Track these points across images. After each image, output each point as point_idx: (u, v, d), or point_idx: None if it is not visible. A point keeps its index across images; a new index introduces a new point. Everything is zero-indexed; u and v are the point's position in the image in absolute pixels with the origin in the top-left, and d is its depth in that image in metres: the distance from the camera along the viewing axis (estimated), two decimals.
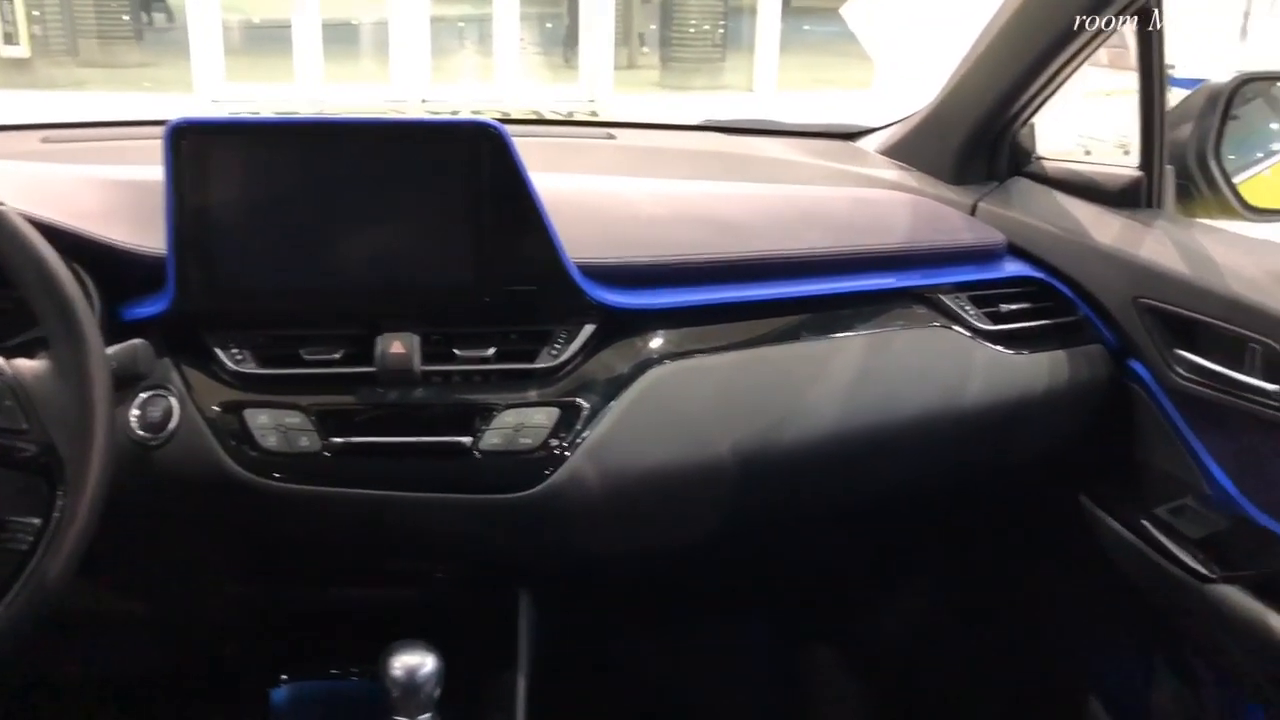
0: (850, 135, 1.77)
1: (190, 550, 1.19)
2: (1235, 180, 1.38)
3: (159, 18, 12.79)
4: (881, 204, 1.49)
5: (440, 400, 1.10)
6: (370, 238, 1.08)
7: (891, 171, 1.61)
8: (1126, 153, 1.45)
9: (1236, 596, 1.20)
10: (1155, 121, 1.35)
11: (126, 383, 0.99)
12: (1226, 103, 1.36)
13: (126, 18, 11.00)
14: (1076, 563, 1.48)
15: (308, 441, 1.07)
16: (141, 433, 1.05)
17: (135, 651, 1.41)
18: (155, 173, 1.04)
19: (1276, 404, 1.16)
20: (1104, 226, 1.38)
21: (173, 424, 1.06)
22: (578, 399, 1.12)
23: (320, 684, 1.32)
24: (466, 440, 1.09)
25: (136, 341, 1.00)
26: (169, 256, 1.05)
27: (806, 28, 13.44)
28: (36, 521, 0.89)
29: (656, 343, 1.17)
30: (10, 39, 10.09)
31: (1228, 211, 1.38)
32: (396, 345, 1.08)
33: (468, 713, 1.21)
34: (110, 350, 0.96)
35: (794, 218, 1.37)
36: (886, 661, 1.77)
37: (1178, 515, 1.31)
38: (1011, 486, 1.50)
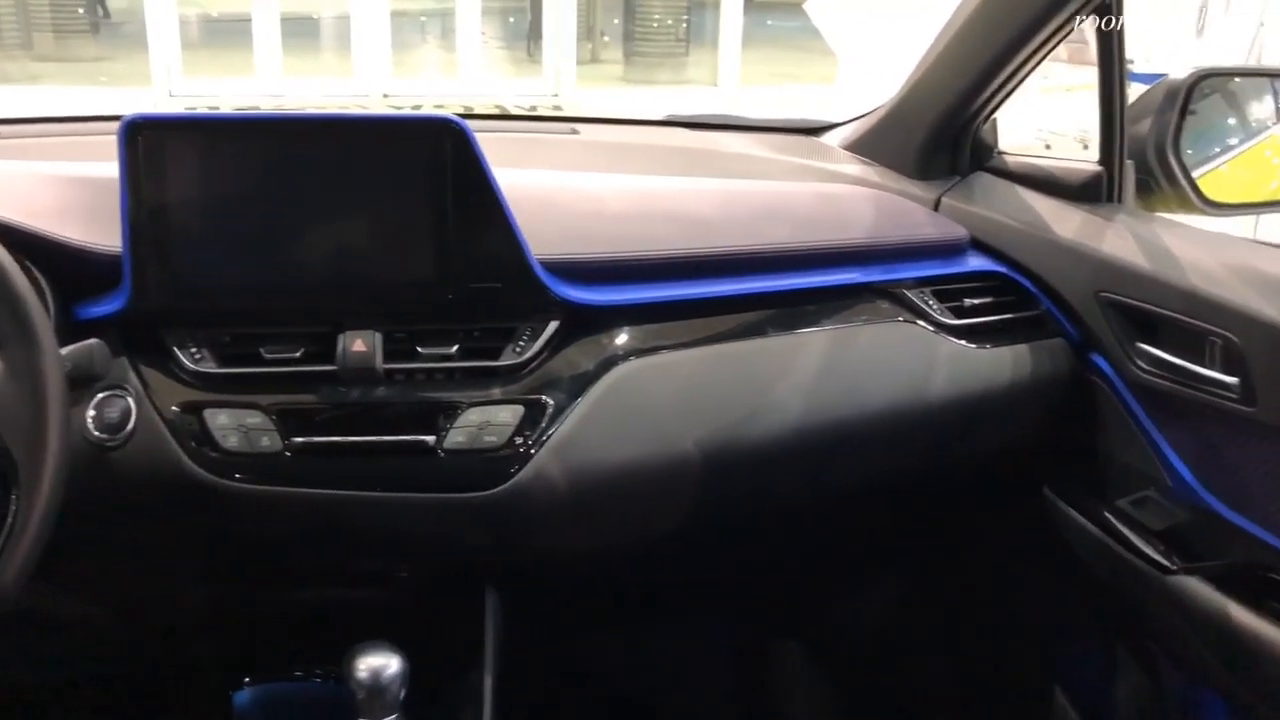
0: (814, 130, 1.77)
1: (150, 552, 1.17)
2: (1194, 175, 1.39)
3: (115, 11, 12.61)
4: (845, 199, 1.50)
5: (403, 399, 1.09)
6: (331, 234, 1.07)
7: (855, 167, 1.62)
8: (1085, 147, 1.46)
9: (1197, 587, 1.21)
10: (1115, 117, 1.36)
11: (82, 383, 0.98)
12: (1184, 98, 1.37)
13: (82, 11, 10.83)
14: (1040, 555, 1.49)
15: (269, 441, 1.06)
16: (98, 434, 1.03)
17: (95, 655, 1.39)
18: (111, 169, 1.03)
19: (1236, 396, 1.17)
20: (1065, 221, 1.39)
21: (130, 425, 1.04)
22: (542, 396, 1.11)
23: (284, 686, 1.30)
24: (430, 439, 1.08)
25: (92, 341, 0.98)
26: (125, 254, 1.03)
27: (770, 23, 13.47)
28: None
29: (621, 339, 1.17)
30: None
31: (1187, 206, 1.39)
32: (358, 343, 1.07)
33: (434, 714, 1.20)
34: (65, 350, 0.94)
35: (758, 213, 1.37)
36: (853, 656, 1.78)
37: (1139, 507, 1.32)
38: (975, 480, 1.51)
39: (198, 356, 1.07)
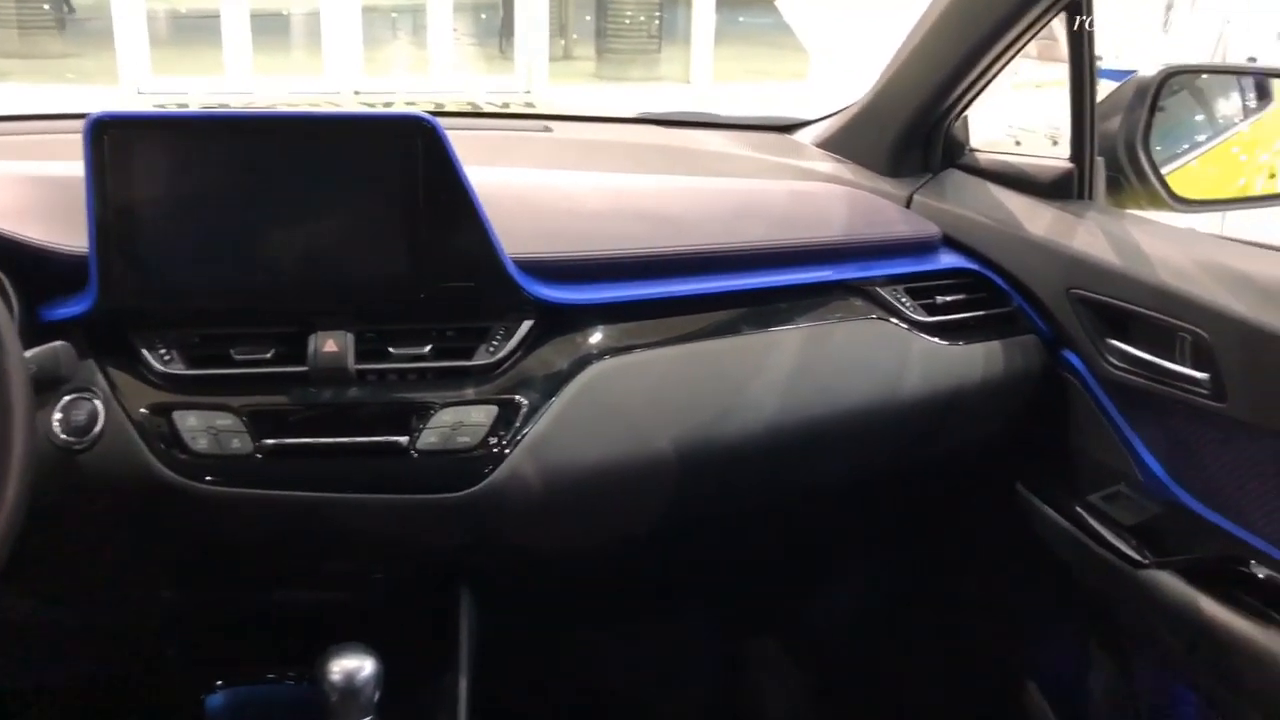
0: (786, 128, 1.77)
1: (119, 556, 1.15)
2: (1163, 171, 1.40)
3: (82, 7, 12.47)
4: (818, 197, 1.50)
5: (375, 399, 1.08)
6: (301, 234, 1.06)
7: (827, 164, 1.62)
8: (1056, 143, 1.47)
9: (1168, 581, 1.22)
10: (1086, 114, 1.37)
11: (47, 386, 0.96)
12: (1154, 95, 1.38)
13: (47, 6, 10.70)
14: (1013, 550, 1.50)
15: (239, 443, 1.05)
16: (65, 437, 1.01)
17: (64, 661, 1.37)
18: (77, 168, 1.01)
19: (1206, 392, 1.18)
20: (1037, 218, 1.40)
21: (98, 427, 1.02)
22: (516, 396, 1.11)
23: (256, 689, 1.29)
24: (403, 440, 1.07)
25: (57, 343, 0.97)
26: (91, 255, 1.01)
27: (742, 19, 13.48)
28: None
29: (595, 338, 1.17)
30: None
31: (1156, 202, 1.40)
32: (330, 344, 1.06)
33: (408, 716, 1.19)
34: (30, 353, 0.93)
35: (731, 211, 1.37)
36: (830, 651, 1.78)
37: (1111, 502, 1.33)
38: (949, 476, 1.52)
39: (166, 358, 1.06)
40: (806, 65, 10.47)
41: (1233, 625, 1.14)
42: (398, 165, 1.05)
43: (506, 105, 8.96)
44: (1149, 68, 1.40)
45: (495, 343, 1.11)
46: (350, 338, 1.06)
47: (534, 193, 1.32)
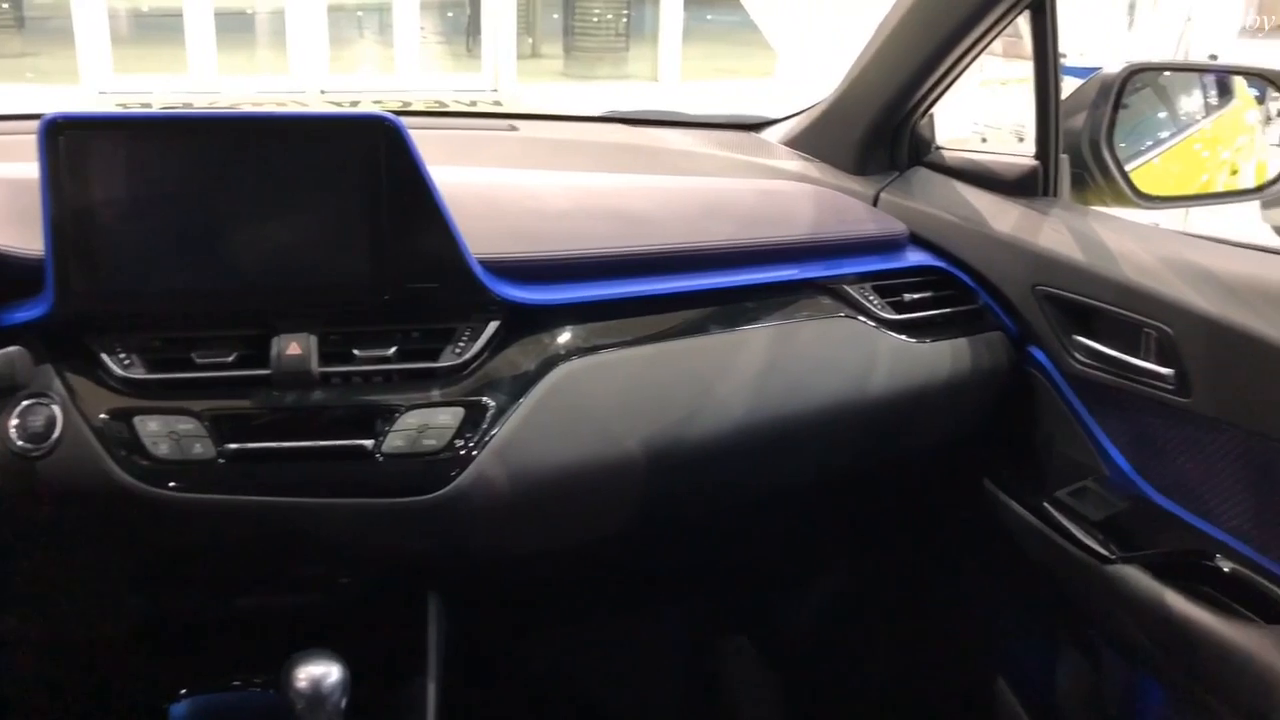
0: (754, 126, 1.77)
1: (79, 564, 1.14)
2: (1127, 168, 1.41)
3: (42, 5, 12.31)
4: (786, 196, 1.50)
5: (340, 402, 1.07)
6: (264, 235, 1.04)
7: (795, 163, 1.62)
8: (1021, 140, 1.47)
9: (1134, 576, 1.23)
10: (1050, 111, 1.38)
11: (3, 392, 0.95)
12: (1117, 93, 1.39)
13: (6, 5, 10.57)
14: (981, 546, 1.50)
15: (201, 448, 1.03)
16: (22, 444, 1.00)
17: (24, 671, 1.35)
18: (33, 170, 0.99)
19: (1171, 387, 1.19)
20: (1003, 215, 1.40)
21: (56, 433, 1.01)
22: (483, 398, 1.10)
23: (221, 697, 1.27)
24: (368, 443, 1.06)
25: (13, 349, 0.96)
26: (47, 258, 1.00)
27: (709, 18, 13.51)
28: None
29: (563, 338, 1.16)
30: None
31: (1121, 199, 1.41)
32: (293, 346, 1.04)
33: None
34: None
35: (699, 210, 1.36)
36: (801, 649, 1.78)
37: (1078, 498, 1.34)
38: (916, 473, 1.52)
39: (126, 362, 1.04)
40: (774, 63, 10.49)
41: (1198, 619, 1.15)
42: (360, 165, 1.03)
43: (474, 104, 8.94)
44: (1112, 65, 1.41)
45: (461, 344, 1.10)
46: (313, 340, 1.05)
47: (499, 192, 1.31)
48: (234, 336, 1.06)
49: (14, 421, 1.00)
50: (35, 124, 0.98)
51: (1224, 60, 6.26)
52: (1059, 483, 1.36)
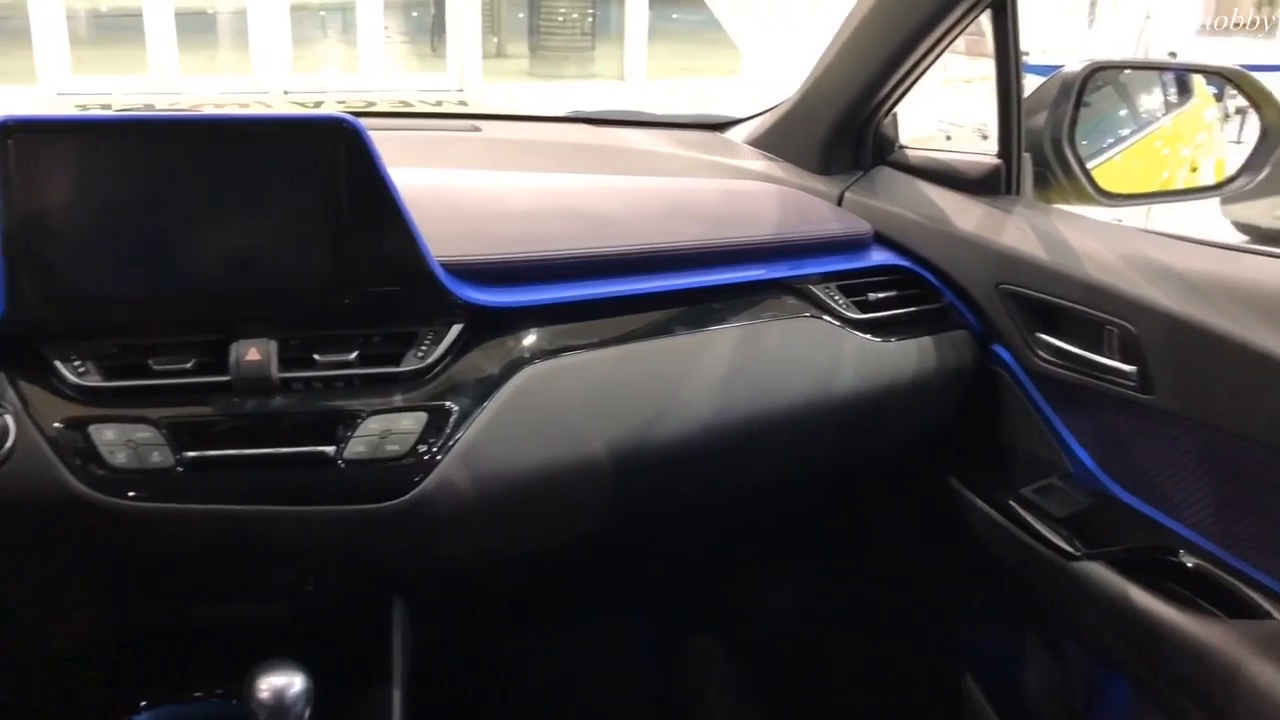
0: (718, 126, 1.77)
1: (35, 576, 1.11)
2: (1089, 166, 1.42)
3: None
4: (750, 196, 1.49)
5: (301, 408, 1.05)
6: (222, 239, 1.03)
7: (759, 162, 1.62)
8: (985, 137, 1.48)
9: (1099, 572, 1.23)
10: (1012, 110, 1.38)
11: None
12: (1078, 91, 1.40)
13: None
14: (948, 544, 1.51)
15: (159, 457, 1.01)
16: None
17: None
18: None
19: (1134, 384, 1.20)
20: (966, 214, 1.41)
21: (8, 444, 0.98)
22: (446, 402, 1.08)
23: (182, 709, 1.25)
24: (330, 449, 1.04)
25: None
26: None
27: (675, 16, 13.53)
28: None
29: (527, 341, 1.15)
30: None
31: (1083, 197, 1.41)
32: (252, 352, 1.03)
33: None
34: None
35: (663, 211, 1.36)
36: (769, 649, 1.78)
37: (1043, 495, 1.34)
38: (883, 471, 1.52)
39: (81, 370, 1.02)
40: (739, 61, 10.51)
41: (1162, 614, 1.16)
42: (319, 168, 1.02)
43: (440, 104, 8.90)
44: (1074, 63, 1.41)
45: (424, 348, 1.09)
46: (273, 345, 1.04)
47: (461, 194, 1.29)
48: (192, 343, 1.04)
49: None
50: None
51: (1183, 58, 6.33)
52: (1024, 480, 1.37)
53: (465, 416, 1.09)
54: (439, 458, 1.07)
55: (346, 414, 1.05)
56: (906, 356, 1.36)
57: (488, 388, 1.10)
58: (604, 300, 1.20)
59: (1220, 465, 1.15)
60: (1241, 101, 1.53)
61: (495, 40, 12.45)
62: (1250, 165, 1.47)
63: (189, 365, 1.04)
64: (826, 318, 1.32)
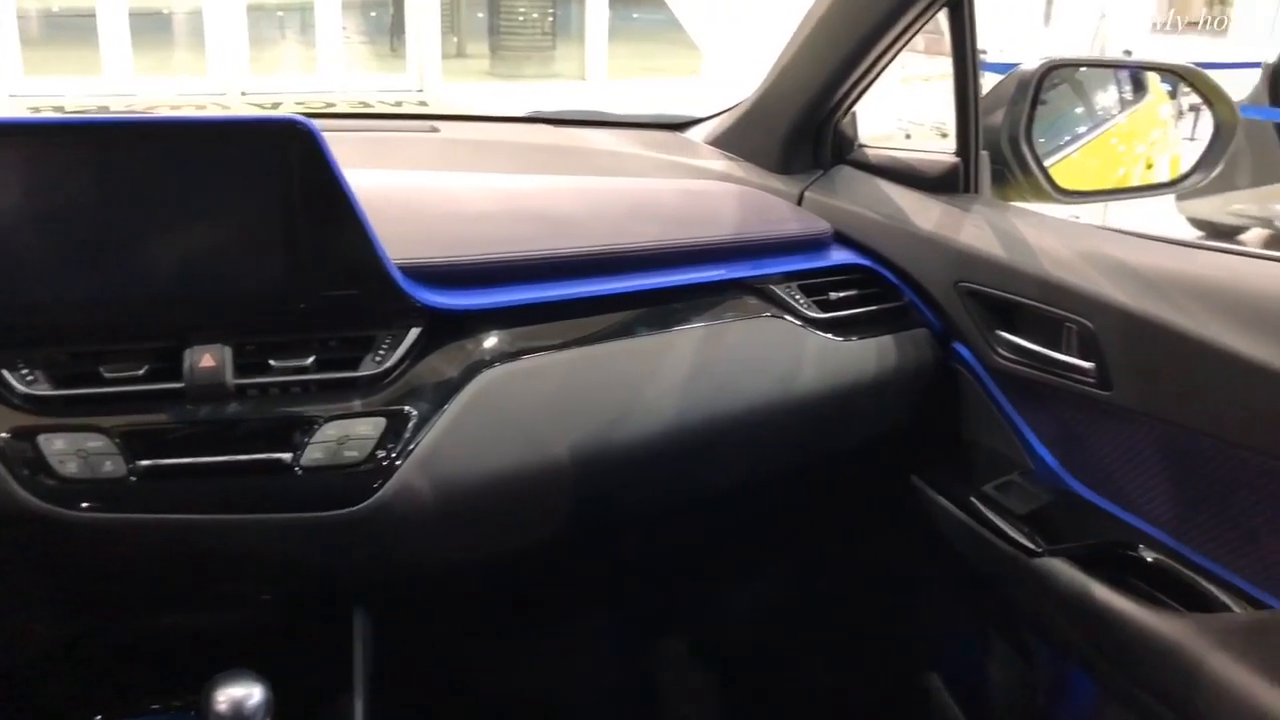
0: (678, 125, 1.76)
1: None
2: (1046, 164, 1.43)
3: None
4: (710, 196, 1.49)
5: (256, 415, 1.03)
6: (174, 244, 1.01)
7: (719, 162, 1.61)
8: (944, 136, 1.48)
9: (1061, 568, 1.24)
10: (970, 108, 1.39)
11: None
12: (1035, 88, 1.40)
13: None
14: (911, 542, 1.51)
15: (112, 466, 0.99)
16: None
17: None
18: None
19: (1093, 380, 1.20)
20: (925, 213, 1.41)
21: None
22: (405, 407, 1.07)
23: None
24: (286, 456, 1.03)
25: None
26: None
27: (635, 16, 13.52)
28: None
29: (487, 344, 1.14)
30: None
31: (1040, 194, 1.42)
32: (206, 358, 1.01)
33: None
34: None
35: (624, 211, 1.35)
36: (733, 648, 1.78)
37: (1005, 492, 1.35)
38: (846, 470, 1.52)
39: (29, 378, 1.00)
40: (699, 61, 10.53)
41: (1123, 609, 1.17)
42: (273, 171, 1.00)
43: (399, 104, 8.85)
44: (1030, 61, 1.42)
45: (381, 352, 1.08)
46: (228, 351, 1.02)
47: (419, 195, 1.28)
48: (144, 349, 1.02)
49: None
50: None
51: (1138, 56, 6.40)
52: (986, 477, 1.37)
53: (424, 421, 1.07)
54: (398, 463, 1.05)
55: (303, 420, 1.04)
56: (867, 355, 1.36)
57: (447, 392, 1.09)
58: (564, 302, 1.19)
59: (1178, 460, 1.16)
60: (1195, 99, 1.54)
61: (455, 40, 12.40)
62: (1204, 162, 1.49)
63: (141, 372, 1.02)
64: (788, 317, 1.32)
